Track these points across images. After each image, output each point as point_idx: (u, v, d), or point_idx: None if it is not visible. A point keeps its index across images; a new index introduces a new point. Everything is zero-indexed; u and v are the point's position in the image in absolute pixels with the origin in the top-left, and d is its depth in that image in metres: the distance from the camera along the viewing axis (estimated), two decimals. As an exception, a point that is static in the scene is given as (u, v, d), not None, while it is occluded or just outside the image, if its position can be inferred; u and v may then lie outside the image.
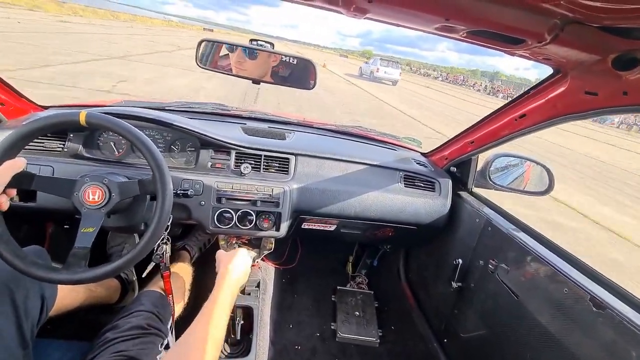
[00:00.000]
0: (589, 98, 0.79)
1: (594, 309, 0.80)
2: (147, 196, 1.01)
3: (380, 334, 1.70)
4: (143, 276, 1.18)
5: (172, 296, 1.12)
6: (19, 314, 0.80)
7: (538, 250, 1.00)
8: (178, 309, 1.16)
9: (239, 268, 0.97)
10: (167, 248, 1.08)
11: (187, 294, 1.31)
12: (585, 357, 0.81)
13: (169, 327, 1.04)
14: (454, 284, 1.30)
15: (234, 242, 1.50)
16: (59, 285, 0.94)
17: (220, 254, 1.03)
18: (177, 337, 1.14)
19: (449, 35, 0.70)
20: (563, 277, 0.89)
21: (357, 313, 1.78)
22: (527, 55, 0.75)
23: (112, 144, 1.17)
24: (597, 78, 0.74)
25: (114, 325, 0.93)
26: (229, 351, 1.25)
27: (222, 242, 1.46)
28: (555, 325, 0.90)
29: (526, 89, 1.01)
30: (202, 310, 0.80)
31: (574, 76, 0.81)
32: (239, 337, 1.26)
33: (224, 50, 1.19)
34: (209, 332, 0.74)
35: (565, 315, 0.88)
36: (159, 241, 1.02)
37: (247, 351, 1.24)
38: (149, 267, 1.13)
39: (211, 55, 1.20)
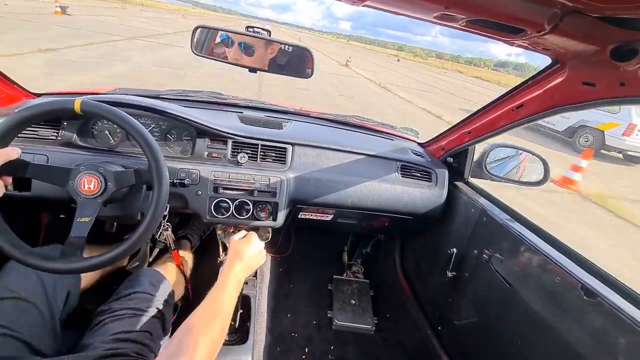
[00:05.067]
0: (586, 89, 0.79)
1: (585, 297, 0.82)
2: (144, 186, 1.01)
3: (376, 321, 1.73)
4: (149, 260, 1.19)
5: (183, 266, 1.14)
6: (53, 308, 0.84)
7: (532, 240, 1.02)
8: (179, 298, 1.17)
9: (251, 254, 0.98)
10: (169, 234, 1.08)
11: (187, 284, 1.31)
12: (575, 344, 0.83)
13: (169, 308, 1.03)
14: (449, 273, 1.31)
15: (231, 231, 1.50)
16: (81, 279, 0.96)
17: (233, 240, 1.03)
18: (179, 320, 1.16)
19: (448, 24, 0.70)
20: (555, 267, 0.91)
21: (353, 301, 1.81)
22: (526, 45, 0.75)
23: (106, 132, 1.15)
24: (595, 69, 0.74)
25: (108, 308, 0.91)
26: (226, 339, 1.27)
27: (219, 232, 1.46)
28: (546, 313, 0.92)
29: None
30: (209, 295, 0.82)
31: (572, 67, 0.80)
32: (236, 326, 1.27)
33: (219, 38, 1.17)
34: (215, 316, 0.76)
35: (556, 303, 0.90)
36: (160, 229, 1.02)
37: (244, 339, 1.26)
38: (154, 253, 1.14)
39: (207, 43, 1.17)
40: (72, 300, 0.93)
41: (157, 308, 0.96)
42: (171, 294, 1.08)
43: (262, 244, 1.05)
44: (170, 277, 1.12)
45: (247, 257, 0.97)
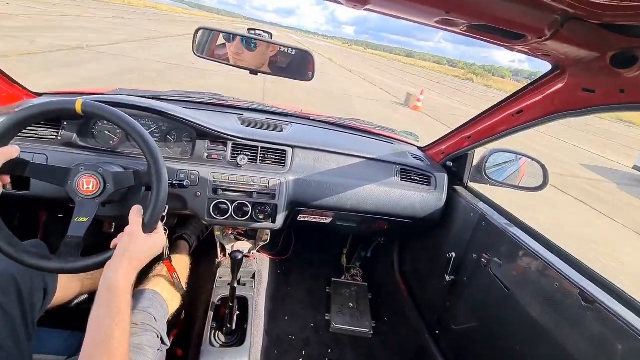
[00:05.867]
0: (586, 95, 0.79)
1: (583, 303, 0.81)
2: (142, 186, 1.01)
3: (374, 325, 1.72)
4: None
5: (177, 274, 1.12)
6: (25, 307, 0.81)
7: (530, 245, 1.01)
8: (175, 302, 1.16)
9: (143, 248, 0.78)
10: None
11: (184, 285, 1.31)
12: (573, 350, 0.83)
13: (164, 324, 1.03)
14: (447, 277, 1.31)
15: (229, 232, 1.50)
16: (59, 276, 0.94)
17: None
18: (173, 329, 1.15)
19: (449, 28, 0.70)
20: (554, 272, 0.91)
21: (351, 304, 1.80)
22: (527, 50, 0.75)
23: (106, 132, 1.15)
24: (595, 75, 0.74)
25: None
26: (223, 340, 1.26)
27: (217, 233, 1.46)
28: (544, 319, 0.92)
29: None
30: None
31: (572, 73, 0.81)
32: (234, 327, 1.26)
33: (221, 39, 1.17)
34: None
35: (554, 309, 0.90)
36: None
37: (241, 341, 1.26)
38: None
39: (208, 44, 1.18)
40: (49, 298, 0.91)
41: (153, 321, 0.97)
42: (166, 308, 1.08)
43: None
44: (164, 291, 1.12)
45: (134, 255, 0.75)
